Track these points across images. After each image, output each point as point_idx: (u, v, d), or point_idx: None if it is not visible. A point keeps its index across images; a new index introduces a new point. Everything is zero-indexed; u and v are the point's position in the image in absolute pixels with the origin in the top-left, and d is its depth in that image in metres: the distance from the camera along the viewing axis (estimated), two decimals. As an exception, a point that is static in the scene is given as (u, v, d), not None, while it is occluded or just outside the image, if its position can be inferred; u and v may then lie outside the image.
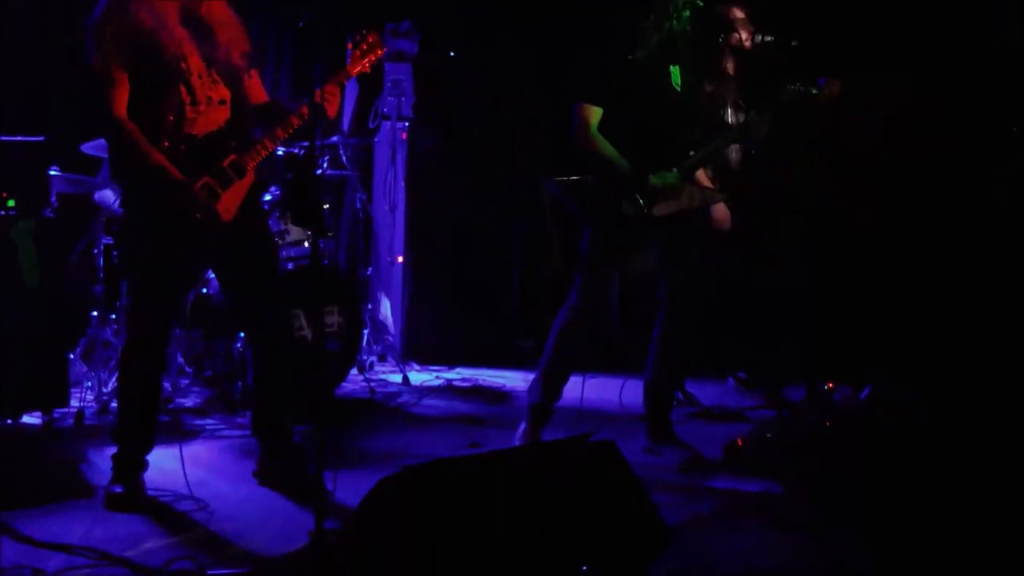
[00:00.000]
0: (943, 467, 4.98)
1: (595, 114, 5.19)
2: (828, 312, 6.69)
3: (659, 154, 5.23)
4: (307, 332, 6.08)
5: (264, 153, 4.57)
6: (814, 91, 5.42)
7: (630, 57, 5.21)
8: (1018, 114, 6.39)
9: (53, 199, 6.17)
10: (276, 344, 4.77)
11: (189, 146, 4.45)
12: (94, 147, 6.16)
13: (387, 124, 7.69)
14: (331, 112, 4.59)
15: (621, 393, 6.22)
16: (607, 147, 5.17)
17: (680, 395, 6.46)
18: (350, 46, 4.68)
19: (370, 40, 4.70)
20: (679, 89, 5.30)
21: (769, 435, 5.49)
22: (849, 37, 6.75)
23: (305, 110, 4.51)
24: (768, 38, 5.60)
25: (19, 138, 6.28)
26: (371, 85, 7.77)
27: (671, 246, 5.34)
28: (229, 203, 4.51)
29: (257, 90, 4.74)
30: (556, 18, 7.61)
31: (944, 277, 6.45)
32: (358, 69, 4.71)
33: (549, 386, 5.47)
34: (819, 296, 6.69)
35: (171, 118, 4.42)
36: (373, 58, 4.70)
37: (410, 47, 7.54)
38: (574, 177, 5.37)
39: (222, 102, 4.57)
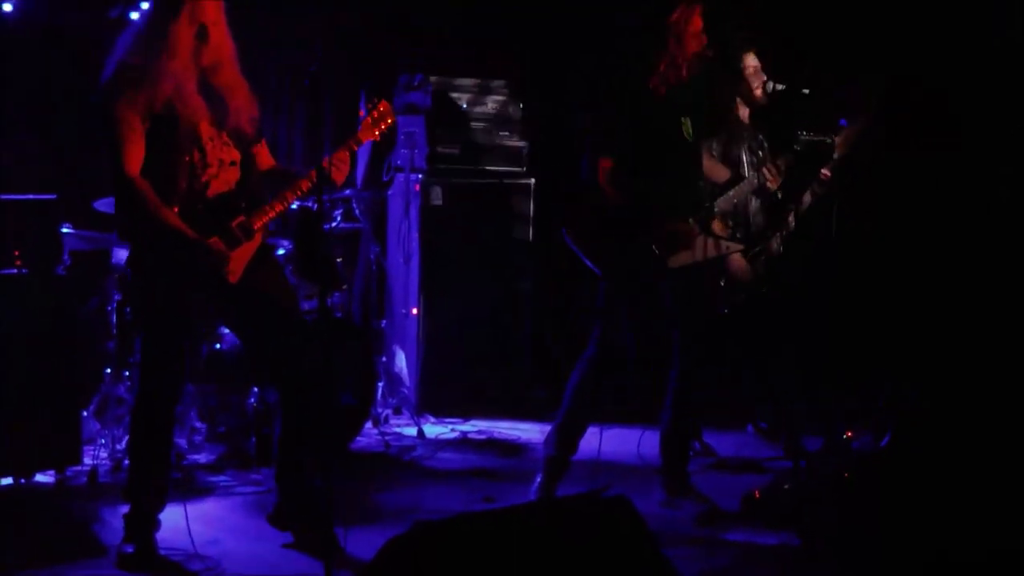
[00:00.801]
0: (959, 510, 4.92)
1: (606, 164, 5.19)
2: (844, 355, 6.66)
3: (673, 205, 5.22)
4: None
5: (272, 215, 4.59)
6: (828, 140, 5.42)
7: (643, 109, 5.21)
8: (1019, 112, 6.38)
9: (66, 256, 6.18)
10: (306, 390, 4.71)
11: (200, 208, 4.49)
12: (107, 204, 6.17)
13: (400, 176, 7.69)
14: (339, 178, 4.64)
15: (639, 444, 6.17)
16: (618, 199, 5.16)
17: (698, 445, 6.42)
18: (362, 113, 4.71)
19: (381, 108, 4.75)
20: (690, 139, 5.29)
21: (787, 486, 5.42)
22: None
23: (314, 174, 4.53)
24: (780, 86, 5.60)
25: (32, 196, 6.30)
26: (384, 138, 7.77)
27: (684, 297, 5.31)
28: (236, 264, 4.53)
29: (266, 156, 4.79)
30: (569, 71, 7.63)
31: (952, 300, 6.43)
32: (368, 137, 4.77)
33: (566, 439, 5.43)
34: (836, 335, 6.68)
35: (182, 180, 4.46)
36: (384, 127, 4.76)
37: (423, 100, 7.56)
38: (586, 227, 5.36)
39: (233, 163, 4.60)
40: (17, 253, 5.71)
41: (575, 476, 5.46)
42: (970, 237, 6.49)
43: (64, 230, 6.20)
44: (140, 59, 4.42)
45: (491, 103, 7.77)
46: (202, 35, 4.47)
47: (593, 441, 5.48)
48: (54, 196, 6.40)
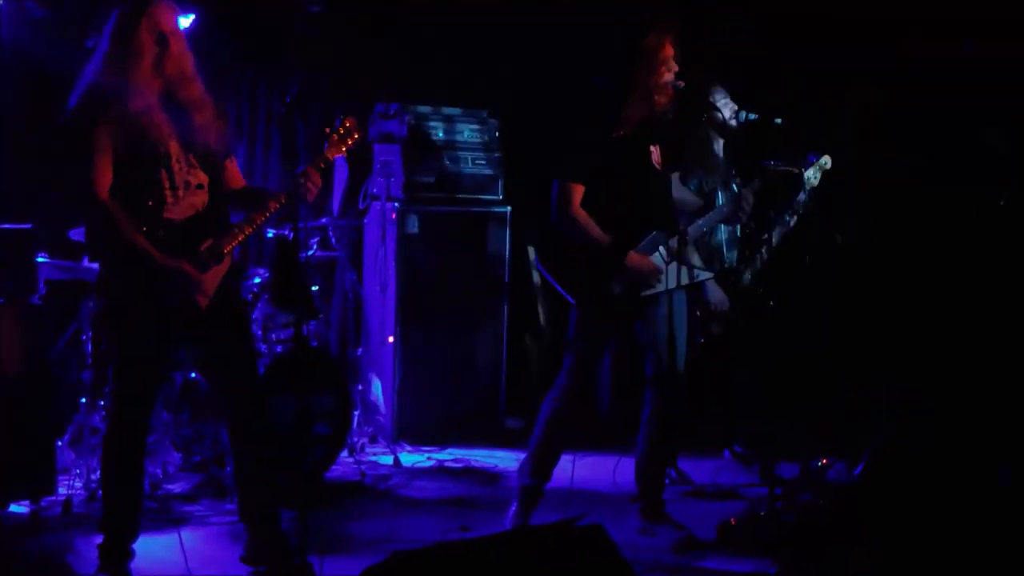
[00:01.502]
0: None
1: (578, 192, 5.22)
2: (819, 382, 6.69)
3: (643, 233, 5.25)
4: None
5: (241, 237, 4.61)
6: (797, 171, 5.46)
7: (614, 135, 5.24)
8: None
9: (41, 286, 6.16)
10: (255, 427, 4.74)
11: (167, 231, 4.49)
12: (82, 234, 6.17)
13: (376, 205, 7.71)
14: (310, 197, 4.64)
15: (615, 472, 6.18)
16: (591, 225, 5.19)
17: (673, 473, 6.43)
18: (328, 130, 4.73)
19: (347, 124, 4.76)
20: (659, 168, 5.32)
21: (762, 513, 5.44)
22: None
23: (283, 196, 4.55)
24: (752, 116, 5.64)
25: (7, 226, 6.28)
26: (360, 167, 7.80)
27: (657, 325, 5.33)
28: (206, 288, 4.54)
29: (234, 175, 4.79)
30: (543, 97, 7.65)
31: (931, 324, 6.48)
32: (335, 153, 4.76)
33: (539, 467, 5.45)
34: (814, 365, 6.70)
35: (150, 203, 4.47)
36: (351, 142, 4.76)
37: (399, 129, 7.58)
38: (560, 256, 5.38)
39: (200, 187, 4.61)
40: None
41: (550, 504, 5.47)
42: (951, 268, 6.55)
43: (39, 259, 6.19)
44: (106, 78, 4.45)
45: (467, 132, 7.79)
46: (162, 43, 4.49)
47: (569, 469, 5.49)
48: (29, 225, 6.38)
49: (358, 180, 7.80)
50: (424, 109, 7.67)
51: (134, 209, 4.45)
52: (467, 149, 7.75)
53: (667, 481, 6.07)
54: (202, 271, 4.51)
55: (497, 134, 7.83)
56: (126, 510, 4.64)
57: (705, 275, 5.56)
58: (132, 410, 4.60)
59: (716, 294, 6.21)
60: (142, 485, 4.79)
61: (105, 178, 4.43)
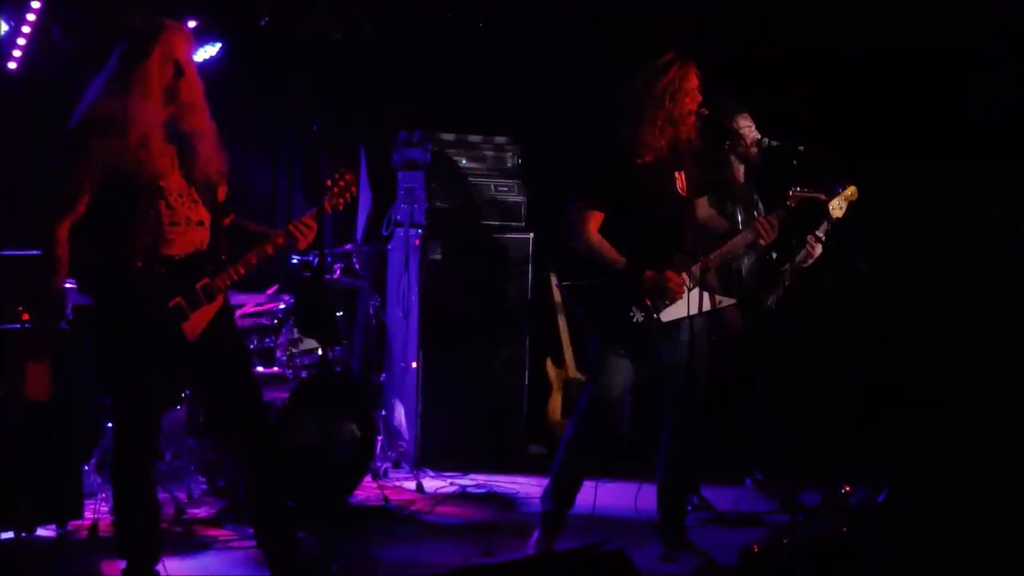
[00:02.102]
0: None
1: (593, 218, 5.24)
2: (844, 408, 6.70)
3: (665, 259, 5.26)
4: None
5: (235, 278, 4.57)
6: (822, 197, 5.47)
7: (637, 161, 5.26)
8: None
9: (68, 311, 6.20)
10: (262, 455, 4.74)
11: (166, 267, 4.44)
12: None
13: (400, 231, 7.75)
14: (302, 244, 4.65)
15: (636, 498, 6.18)
16: (606, 248, 5.21)
17: (695, 499, 6.42)
18: (328, 183, 4.72)
19: (347, 178, 4.77)
20: (684, 195, 5.35)
21: (784, 541, 5.43)
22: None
23: (280, 240, 4.59)
24: (775, 143, 5.65)
25: (35, 252, 6.33)
26: (384, 193, 7.86)
27: (677, 350, 5.34)
28: (196, 324, 4.50)
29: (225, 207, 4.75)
30: (566, 124, 7.69)
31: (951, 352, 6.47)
32: (331, 205, 4.75)
33: (562, 493, 5.46)
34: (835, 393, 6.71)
35: (147, 237, 4.40)
36: (348, 197, 4.77)
37: (422, 156, 7.62)
38: (583, 281, 5.40)
39: (200, 223, 4.54)
40: (20, 308, 5.73)
41: (572, 530, 5.48)
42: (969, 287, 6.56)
43: (66, 285, 6.23)
44: (108, 104, 4.37)
45: (490, 158, 7.83)
46: (177, 70, 4.42)
47: (591, 495, 5.50)
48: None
49: (381, 207, 7.86)
50: (447, 136, 7.71)
51: (129, 243, 4.38)
52: (490, 176, 7.79)
53: (689, 508, 6.08)
54: (193, 308, 4.47)
55: (519, 161, 7.87)
56: (143, 536, 4.63)
57: (728, 301, 5.57)
58: (132, 441, 4.57)
59: (730, 316, 6.21)
60: (155, 510, 4.73)
61: (71, 214, 4.36)
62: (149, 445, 4.68)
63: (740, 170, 6.41)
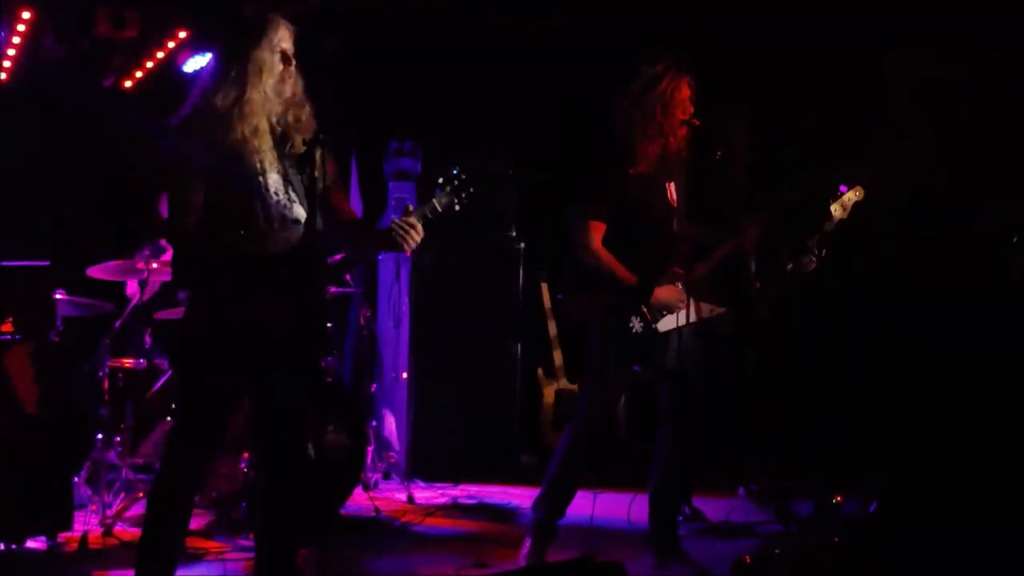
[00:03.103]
0: None
1: (598, 228, 5.25)
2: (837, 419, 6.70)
3: (661, 268, 5.27)
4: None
5: (330, 289, 4.36)
6: (821, 202, 5.46)
7: (631, 171, 5.27)
8: None
9: (58, 322, 6.21)
10: (289, 460, 4.54)
11: (258, 266, 4.24)
12: (100, 270, 6.22)
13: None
14: (407, 249, 4.38)
15: (630, 509, 6.18)
16: (614, 263, 5.22)
17: (687, 510, 6.42)
18: (441, 180, 4.48)
19: (463, 177, 4.56)
20: (675, 205, 5.36)
21: (777, 551, 5.43)
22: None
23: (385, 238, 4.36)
24: (769, 150, 5.65)
25: (25, 263, 6.34)
26: (375, 203, 7.86)
27: (670, 360, 5.35)
28: (287, 326, 4.26)
29: (342, 207, 4.52)
30: (560, 131, 7.71)
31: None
32: (445, 204, 4.52)
33: (553, 504, 5.44)
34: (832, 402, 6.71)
35: (242, 232, 4.20)
36: (464, 195, 4.57)
37: (413, 165, 7.63)
38: (578, 290, 5.40)
39: (296, 222, 4.31)
40: (10, 319, 5.73)
41: (568, 541, 5.47)
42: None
43: (57, 296, 6.24)
44: (218, 99, 4.20)
45: (481, 168, 7.82)
46: (286, 61, 4.29)
47: (586, 506, 5.50)
48: (47, 262, 6.43)
49: (372, 216, 7.85)
50: (438, 145, 7.70)
51: (224, 239, 4.19)
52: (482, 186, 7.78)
53: (680, 518, 6.08)
54: (287, 311, 4.24)
55: (511, 171, 7.87)
56: (167, 551, 4.49)
57: (719, 310, 5.57)
58: (193, 450, 4.36)
59: (721, 326, 6.21)
60: (187, 525, 4.54)
61: (195, 208, 4.15)
62: (201, 468, 4.47)
63: (735, 176, 6.40)
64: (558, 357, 7.92)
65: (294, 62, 4.34)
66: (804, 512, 6.20)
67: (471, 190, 4.54)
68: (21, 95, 7.28)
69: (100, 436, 6.24)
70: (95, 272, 6.28)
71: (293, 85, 4.35)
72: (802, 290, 6.32)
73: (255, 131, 4.25)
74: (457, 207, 4.53)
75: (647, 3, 7.54)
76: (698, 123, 5.29)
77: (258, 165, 4.26)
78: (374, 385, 7.94)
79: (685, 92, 5.25)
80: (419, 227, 4.35)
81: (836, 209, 5.61)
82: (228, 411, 4.43)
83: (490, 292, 7.76)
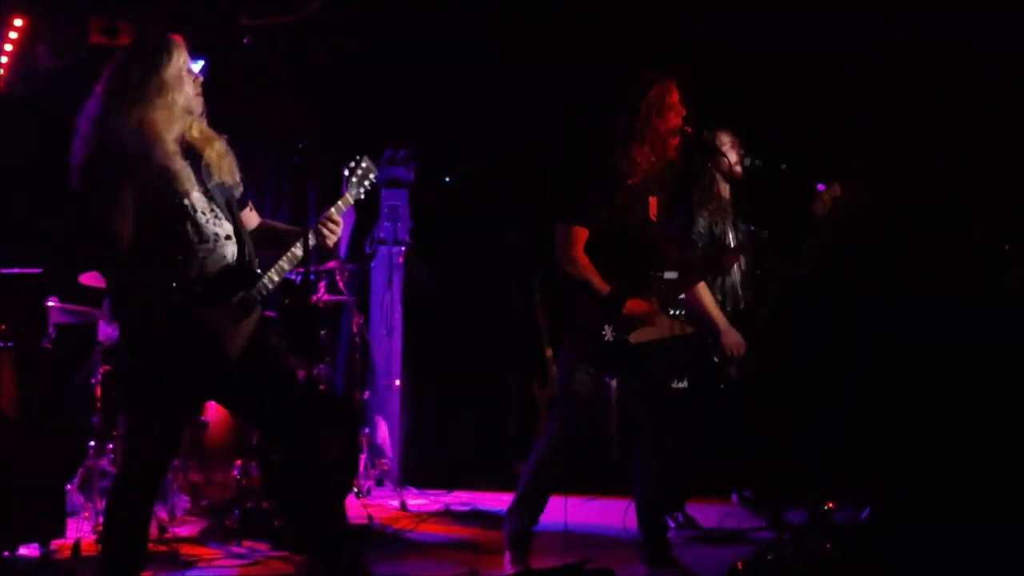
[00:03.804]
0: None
1: (581, 236, 5.25)
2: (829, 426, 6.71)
3: (638, 280, 5.28)
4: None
5: (271, 286, 4.42)
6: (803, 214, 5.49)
7: (628, 183, 5.27)
8: None
9: (51, 330, 6.20)
10: (311, 456, 4.55)
11: (203, 285, 4.27)
12: (92, 278, 6.23)
13: (383, 249, 7.77)
14: (330, 242, 4.53)
15: (624, 516, 6.17)
16: (592, 271, 5.21)
17: (681, 517, 6.43)
18: (346, 172, 4.64)
19: (364, 165, 4.72)
20: (655, 219, 5.37)
21: (769, 557, 5.44)
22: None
23: (308, 234, 4.44)
24: (757, 162, 5.67)
25: (17, 270, 6.34)
26: (368, 211, 7.87)
27: (645, 372, 5.35)
28: (237, 340, 4.33)
29: (250, 216, 4.64)
30: (552, 140, 7.73)
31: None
32: (353, 196, 4.69)
33: (528, 511, 5.45)
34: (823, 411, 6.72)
35: (179, 257, 4.25)
36: (367, 184, 4.71)
37: (406, 174, 7.64)
38: (562, 296, 5.40)
39: (228, 237, 4.37)
40: (2, 327, 5.72)
41: (559, 549, 5.47)
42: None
43: (49, 304, 6.24)
44: (126, 122, 4.21)
45: (474, 176, 7.85)
46: (194, 80, 4.33)
47: (582, 512, 5.50)
48: (40, 270, 6.43)
49: (364, 224, 7.87)
50: (432, 154, 7.72)
51: (163, 263, 4.22)
52: (475, 193, 7.81)
53: (673, 525, 6.08)
54: (236, 323, 4.32)
55: (508, 176, 7.89)
56: (131, 556, 4.52)
57: (690, 329, 5.58)
58: (145, 474, 4.39)
59: (732, 337, 6.21)
60: (147, 533, 4.63)
61: (127, 232, 4.15)
62: (159, 478, 4.51)
63: (725, 188, 6.41)
64: (551, 364, 7.92)
65: (196, 80, 4.38)
66: (797, 519, 6.21)
67: (372, 178, 4.73)
68: (14, 102, 7.28)
69: (93, 444, 6.24)
70: (88, 279, 6.29)
71: (199, 103, 4.40)
72: (802, 292, 6.34)
73: (168, 154, 4.25)
74: (362, 196, 4.71)
75: (643, 12, 7.56)
76: (690, 130, 5.30)
77: (180, 187, 4.27)
78: (367, 392, 7.95)
79: (674, 96, 5.26)
80: (339, 222, 4.55)
81: (817, 207, 5.64)
82: (187, 419, 4.48)
83: (483, 300, 7.77)
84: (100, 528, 5.94)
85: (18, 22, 7.03)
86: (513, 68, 8.08)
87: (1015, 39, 6.73)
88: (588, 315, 5.26)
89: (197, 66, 7.41)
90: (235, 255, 4.39)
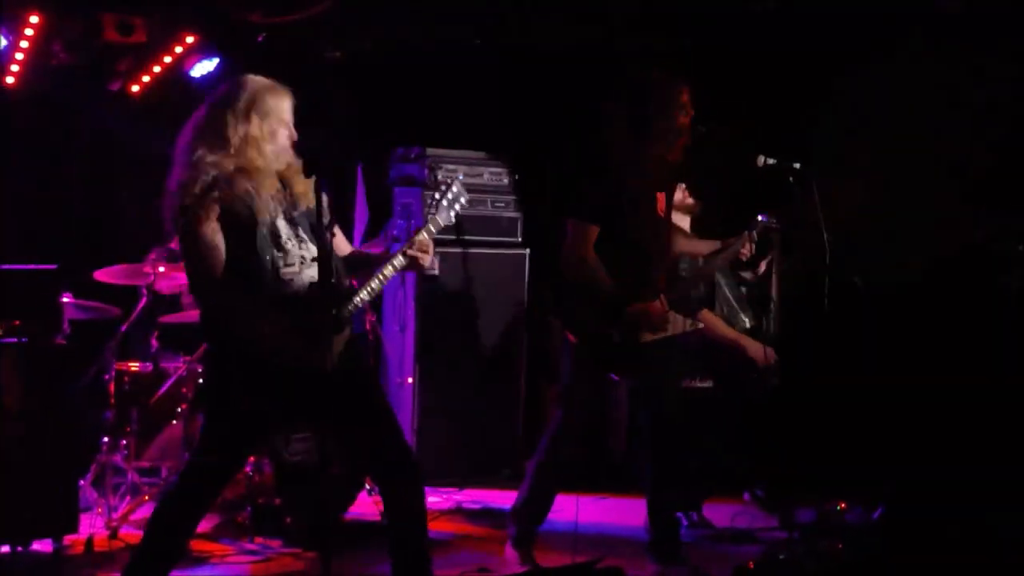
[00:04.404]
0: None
1: (593, 233, 5.25)
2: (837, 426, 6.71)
3: (646, 278, 5.28)
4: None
5: (361, 304, 4.49)
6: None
7: (628, 178, 5.28)
8: None
9: (65, 326, 6.23)
10: (410, 491, 4.66)
11: (290, 307, 4.33)
12: (106, 274, 6.25)
13: (396, 247, 7.75)
14: (425, 262, 4.61)
15: (634, 515, 6.18)
16: (600, 269, 5.21)
17: (695, 516, 6.42)
18: (436, 196, 4.72)
19: (455, 189, 4.76)
20: (661, 215, 5.37)
21: (780, 557, 5.45)
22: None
23: (402, 255, 4.53)
24: (771, 160, 5.66)
25: (32, 266, 6.36)
26: (381, 208, 7.87)
27: (652, 371, 5.35)
28: (328, 356, 4.25)
29: (341, 242, 4.70)
30: (563, 140, 7.71)
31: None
32: (445, 218, 4.75)
33: (533, 511, 5.46)
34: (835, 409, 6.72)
35: (265, 281, 4.33)
36: (459, 207, 4.78)
37: (419, 172, 7.64)
38: (570, 297, 5.40)
39: (314, 260, 4.38)
40: (17, 322, 5.74)
41: (569, 547, 5.47)
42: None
43: (64, 300, 6.26)
44: (217, 155, 4.32)
45: (486, 174, 7.85)
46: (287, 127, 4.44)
47: (589, 511, 5.50)
48: (55, 266, 6.46)
49: (377, 222, 7.87)
50: (444, 152, 7.72)
51: (254, 288, 4.31)
52: (487, 192, 7.81)
53: (685, 523, 6.08)
54: (326, 340, 4.26)
55: (517, 177, 7.89)
56: (163, 563, 4.49)
57: (699, 325, 5.58)
58: (215, 478, 4.48)
59: (757, 347, 6.22)
60: (188, 540, 4.67)
61: (220, 261, 4.29)
62: (216, 495, 4.58)
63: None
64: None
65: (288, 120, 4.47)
66: (808, 519, 6.21)
67: (464, 202, 4.77)
68: (30, 100, 7.30)
69: (106, 439, 6.27)
70: (102, 276, 6.31)
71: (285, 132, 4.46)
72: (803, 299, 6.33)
73: (255, 183, 4.35)
74: (453, 220, 4.77)
75: (648, 13, 7.55)
76: (702, 128, 5.30)
77: (269, 216, 4.36)
78: (379, 390, 7.96)
79: (685, 96, 5.26)
80: (428, 241, 4.59)
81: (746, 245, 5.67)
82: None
83: (494, 298, 7.78)
84: (113, 524, 5.97)
85: (34, 19, 7.05)
86: (513, 68, 8.08)
87: (1015, 39, 6.72)
88: (590, 314, 5.26)
89: (212, 63, 7.50)
90: (321, 277, 4.27)
